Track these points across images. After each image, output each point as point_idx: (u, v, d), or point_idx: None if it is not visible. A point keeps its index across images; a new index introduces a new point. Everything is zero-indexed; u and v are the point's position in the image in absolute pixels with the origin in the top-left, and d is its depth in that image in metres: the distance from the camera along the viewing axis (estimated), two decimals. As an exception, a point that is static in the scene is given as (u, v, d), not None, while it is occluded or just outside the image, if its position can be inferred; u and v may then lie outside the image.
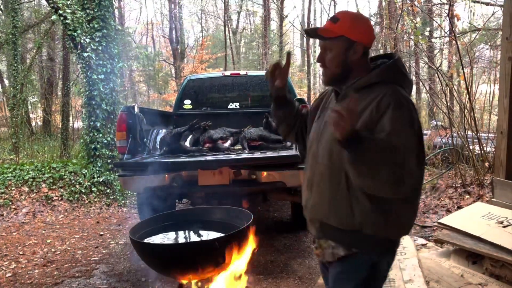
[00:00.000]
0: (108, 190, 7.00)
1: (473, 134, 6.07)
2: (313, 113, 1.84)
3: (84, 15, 6.97)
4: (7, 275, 4.06)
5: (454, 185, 6.02)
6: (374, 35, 1.67)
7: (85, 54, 6.86)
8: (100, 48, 7.05)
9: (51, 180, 6.76)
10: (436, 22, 9.07)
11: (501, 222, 3.28)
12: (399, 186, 1.37)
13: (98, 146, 7.05)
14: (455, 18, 6.74)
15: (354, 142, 1.33)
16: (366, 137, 1.37)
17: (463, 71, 6.15)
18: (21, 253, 4.71)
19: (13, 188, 6.54)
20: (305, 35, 1.89)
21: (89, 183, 6.85)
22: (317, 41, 1.80)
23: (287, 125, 1.98)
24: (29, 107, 16.28)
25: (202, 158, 4.07)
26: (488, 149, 6.18)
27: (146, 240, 2.49)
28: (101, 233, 5.43)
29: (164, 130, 4.84)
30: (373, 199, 1.47)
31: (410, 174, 1.38)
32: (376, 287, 1.65)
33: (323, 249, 1.65)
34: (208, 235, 2.65)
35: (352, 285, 1.60)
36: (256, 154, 4.19)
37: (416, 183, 1.46)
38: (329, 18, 1.65)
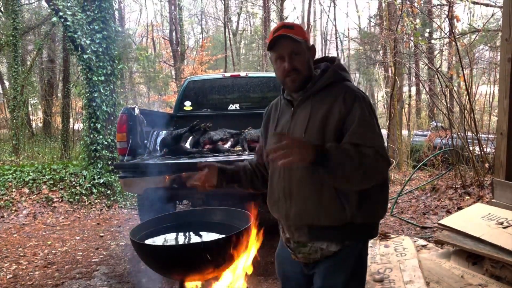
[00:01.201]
0: (108, 192, 7.01)
1: (473, 135, 6.08)
2: (264, 130, 1.94)
3: (84, 17, 6.99)
4: (8, 277, 4.06)
5: (454, 186, 6.03)
6: None
7: (86, 56, 6.88)
8: (100, 49, 7.07)
9: (52, 182, 6.77)
10: (436, 23, 9.10)
11: (501, 223, 3.28)
12: (379, 170, 1.50)
13: (99, 147, 7.06)
14: (455, 19, 6.75)
15: (321, 159, 1.40)
16: (330, 147, 1.44)
17: (463, 72, 6.16)
18: (21, 254, 4.71)
19: (13, 190, 6.55)
20: (267, 48, 1.75)
21: (89, 185, 6.86)
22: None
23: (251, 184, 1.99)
24: (30, 108, 16.31)
25: (203, 160, 4.07)
26: (488, 150, 6.19)
27: (146, 242, 2.49)
28: (102, 234, 5.44)
29: (164, 132, 4.84)
30: (358, 190, 1.56)
31: (383, 154, 1.50)
32: (362, 273, 1.72)
33: (311, 253, 1.68)
34: (209, 236, 2.66)
35: (342, 277, 1.65)
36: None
37: (387, 157, 1.56)
38: (282, 27, 1.69)
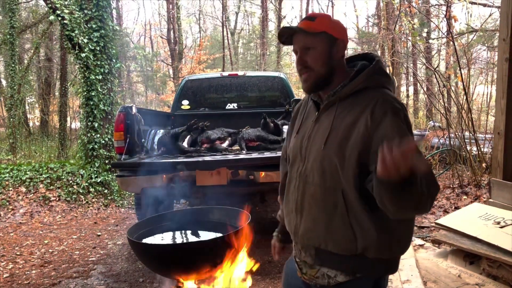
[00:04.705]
0: (105, 191, 6.99)
1: (471, 135, 6.09)
2: (290, 128, 1.71)
3: (82, 16, 6.97)
4: (4, 276, 4.05)
5: (451, 186, 6.04)
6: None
7: (83, 55, 6.86)
8: (98, 48, 7.05)
9: (49, 181, 6.75)
10: (434, 23, 9.12)
11: (498, 223, 3.29)
12: (433, 197, 1.23)
13: (96, 146, 7.05)
14: (453, 19, 6.76)
15: (408, 182, 1.12)
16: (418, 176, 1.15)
17: (461, 72, 6.17)
18: (18, 253, 4.69)
19: (10, 189, 6.53)
20: (278, 41, 1.61)
21: (86, 184, 6.84)
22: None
23: None
24: (27, 107, 16.26)
25: (200, 159, 4.07)
26: (485, 149, 6.20)
27: (144, 241, 2.48)
28: (99, 233, 5.43)
29: (162, 131, 4.84)
30: (376, 220, 1.35)
31: (433, 178, 1.25)
32: None
33: (317, 277, 1.51)
34: (206, 235, 2.66)
35: None
36: (254, 155, 4.19)
37: (437, 181, 1.29)
38: (303, 19, 1.50)
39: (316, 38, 1.45)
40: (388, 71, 1.54)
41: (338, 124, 1.41)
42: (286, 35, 1.50)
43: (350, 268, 1.43)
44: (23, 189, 6.57)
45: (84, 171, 6.98)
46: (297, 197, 1.51)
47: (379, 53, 11.17)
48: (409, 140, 1.11)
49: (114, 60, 7.38)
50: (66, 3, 6.89)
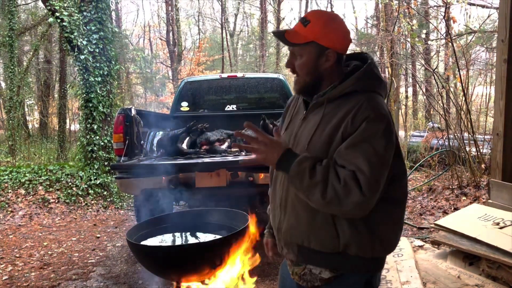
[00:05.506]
0: (105, 193, 6.99)
1: (470, 135, 6.10)
2: (281, 122, 1.73)
3: (81, 18, 6.98)
4: (4, 278, 4.04)
5: (450, 187, 6.04)
6: (350, 39, 1.50)
7: (82, 57, 6.86)
8: (97, 50, 7.05)
9: (48, 183, 6.74)
10: (433, 24, 9.13)
11: (498, 224, 3.29)
12: (336, 204, 1.28)
13: (95, 148, 7.05)
14: (451, 21, 6.79)
15: (285, 163, 1.36)
16: (299, 157, 1.34)
17: (460, 73, 6.18)
18: (17, 255, 4.69)
19: (9, 191, 6.52)
20: (274, 37, 1.71)
21: (86, 186, 6.84)
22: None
23: None
24: (26, 109, 16.27)
25: (199, 160, 4.07)
26: (485, 150, 6.21)
27: (143, 242, 2.48)
28: (98, 235, 5.42)
29: (161, 132, 4.84)
30: (359, 219, 1.36)
31: (362, 181, 1.27)
32: None
33: (304, 274, 1.50)
34: (206, 237, 2.66)
35: None
36: (254, 156, 4.18)
37: (373, 197, 1.30)
38: (300, 20, 1.46)
39: (303, 48, 1.44)
40: (381, 74, 1.53)
41: (323, 126, 1.41)
42: (278, 37, 1.49)
43: (332, 265, 1.44)
44: (22, 191, 6.56)
45: (83, 173, 6.98)
46: (281, 194, 1.52)
47: (378, 54, 11.19)
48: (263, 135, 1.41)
49: (113, 62, 7.39)
50: (65, 5, 6.90)
